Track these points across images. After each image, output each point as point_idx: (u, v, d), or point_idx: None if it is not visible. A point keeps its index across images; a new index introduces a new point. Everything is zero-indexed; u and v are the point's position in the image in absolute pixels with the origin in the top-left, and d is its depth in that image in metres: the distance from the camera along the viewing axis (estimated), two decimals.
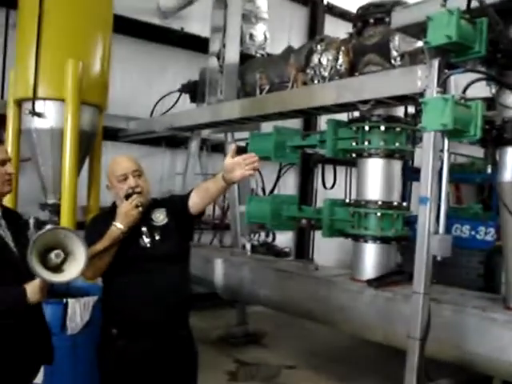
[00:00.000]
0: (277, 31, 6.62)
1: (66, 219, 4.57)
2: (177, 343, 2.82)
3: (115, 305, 2.80)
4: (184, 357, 2.86)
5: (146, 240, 2.83)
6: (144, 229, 2.85)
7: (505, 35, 2.70)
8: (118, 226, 2.71)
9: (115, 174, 2.86)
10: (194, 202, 2.84)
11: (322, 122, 8.86)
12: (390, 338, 3.91)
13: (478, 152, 6.48)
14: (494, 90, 2.92)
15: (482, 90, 3.05)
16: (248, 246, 6.70)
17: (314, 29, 9.66)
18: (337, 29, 9.20)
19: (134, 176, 2.85)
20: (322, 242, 9.83)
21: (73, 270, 2.58)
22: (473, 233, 5.80)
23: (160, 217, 2.91)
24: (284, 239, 8.44)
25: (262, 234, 7.40)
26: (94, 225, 2.99)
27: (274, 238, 7.17)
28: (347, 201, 4.67)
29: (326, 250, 9.49)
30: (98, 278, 2.94)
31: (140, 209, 2.76)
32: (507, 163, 2.99)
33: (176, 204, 2.98)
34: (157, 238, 2.85)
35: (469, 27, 2.61)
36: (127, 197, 2.79)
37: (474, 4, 2.66)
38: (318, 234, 9.86)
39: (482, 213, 7.56)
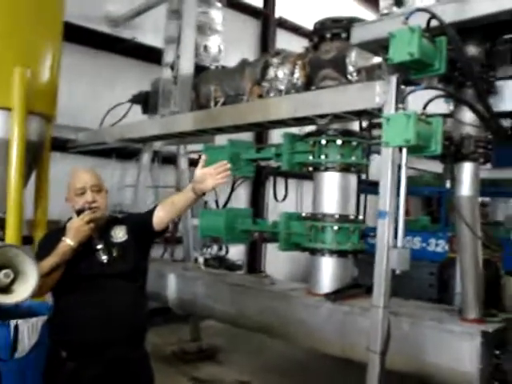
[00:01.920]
0: (229, 43, 6.59)
1: (11, 234, 4.35)
2: (131, 366, 2.71)
3: (65, 325, 2.67)
4: (139, 381, 2.76)
5: (104, 257, 2.74)
6: (101, 245, 2.76)
7: (463, 54, 2.77)
8: (68, 241, 2.62)
9: (74, 186, 2.79)
10: (159, 218, 2.78)
11: (274, 134, 8.95)
12: (348, 351, 3.91)
13: (428, 165, 6.66)
14: (451, 107, 2.99)
15: (439, 106, 3.13)
16: (201, 260, 6.61)
17: (265, 42, 9.74)
18: (289, 43, 9.31)
19: (93, 191, 2.78)
20: (273, 255, 9.89)
21: (23, 291, 2.48)
22: (424, 245, 5.96)
23: (119, 234, 2.86)
24: (236, 252, 8.38)
25: (215, 247, 7.34)
26: (46, 241, 2.88)
27: (227, 252, 7.10)
28: (304, 214, 4.66)
29: (277, 262, 9.51)
30: (44, 295, 2.82)
31: (91, 225, 2.68)
32: (464, 178, 3.06)
33: (138, 221, 2.92)
34: (115, 254, 2.78)
35: (429, 45, 2.67)
36: (79, 212, 2.71)
37: (434, 23, 2.72)
38: (269, 247, 9.91)
39: (431, 225, 7.81)
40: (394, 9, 3.67)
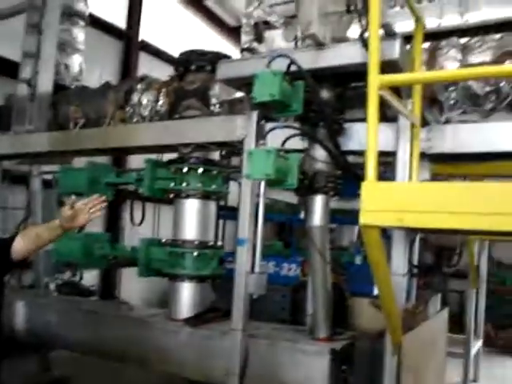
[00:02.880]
0: (90, 62, 6.44)
1: None
2: None
3: None
4: None
5: None
6: None
7: (318, 97, 3.07)
8: None
9: None
10: (20, 249, 2.64)
11: (132, 157, 8.83)
12: (208, 375, 3.98)
13: (280, 195, 7.04)
14: (306, 144, 3.28)
15: (294, 142, 3.40)
16: (52, 286, 6.30)
17: (128, 64, 9.65)
18: (150, 67, 9.36)
19: None
20: (128, 280, 9.66)
21: None
22: (277, 269, 6.28)
23: None
24: (89, 277, 8.07)
25: (68, 273, 7.02)
26: None
27: (81, 277, 6.84)
28: (163, 240, 4.69)
29: (133, 287, 9.32)
30: None
31: None
32: (316, 209, 3.35)
33: None
34: None
35: (289, 88, 2.92)
36: None
37: (293, 68, 2.99)
38: (124, 271, 9.67)
39: (284, 250, 8.22)
40: (255, 44, 3.93)
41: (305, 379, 3.56)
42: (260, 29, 3.94)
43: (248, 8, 3.89)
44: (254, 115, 3.47)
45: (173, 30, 10.82)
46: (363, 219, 2.20)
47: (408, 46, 3.25)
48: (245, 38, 3.83)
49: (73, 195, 2.71)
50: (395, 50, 2.95)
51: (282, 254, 7.85)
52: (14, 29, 6.87)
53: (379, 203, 2.20)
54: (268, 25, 3.97)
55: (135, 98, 4.83)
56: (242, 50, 3.85)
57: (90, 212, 2.60)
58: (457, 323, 6.78)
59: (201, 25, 12.17)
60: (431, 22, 3.98)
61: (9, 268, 2.81)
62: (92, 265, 5.26)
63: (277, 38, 4.08)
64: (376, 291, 3.09)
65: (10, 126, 5.45)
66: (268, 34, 4.02)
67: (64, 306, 5.20)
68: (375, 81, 2.32)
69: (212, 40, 11.89)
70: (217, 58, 4.48)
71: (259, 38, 3.93)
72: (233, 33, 12.52)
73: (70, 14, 5.89)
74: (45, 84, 5.30)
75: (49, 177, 6.93)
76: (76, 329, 4.90)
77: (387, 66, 2.64)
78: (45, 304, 5.32)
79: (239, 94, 4.12)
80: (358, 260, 7.07)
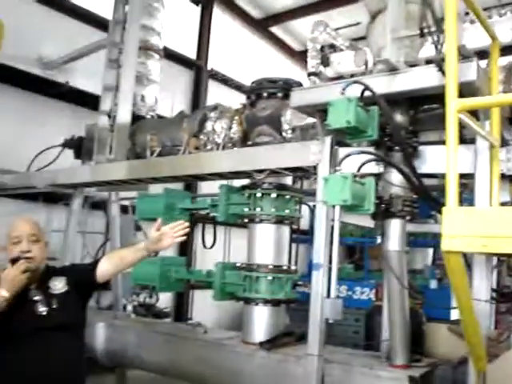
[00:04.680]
0: (163, 92, 6.74)
1: None
2: None
3: (2, 381, 2.59)
4: None
5: (42, 308, 2.71)
6: (39, 297, 2.73)
7: (393, 122, 3.07)
8: (1, 292, 2.56)
9: (10, 235, 2.78)
10: (105, 271, 2.79)
11: (203, 183, 9.06)
12: None
13: (351, 219, 7.00)
14: (381, 169, 3.28)
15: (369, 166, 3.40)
16: (130, 308, 6.51)
17: (198, 92, 9.97)
18: (219, 93, 9.64)
19: (29, 241, 2.75)
20: (201, 302, 9.84)
21: None
22: (349, 293, 6.22)
23: (58, 285, 2.82)
24: (164, 299, 8.30)
25: (144, 295, 7.26)
26: None
27: (157, 300, 7.05)
28: (238, 264, 4.78)
29: (205, 310, 9.48)
30: None
31: (28, 274, 2.65)
32: (393, 234, 3.33)
33: (80, 272, 2.92)
34: (54, 306, 2.74)
35: (363, 114, 2.94)
36: (13, 261, 2.68)
37: (367, 93, 3.01)
38: (196, 293, 9.87)
39: (354, 273, 8.15)
40: (321, 68, 3.98)
41: None
42: (326, 52, 3.99)
43: (313, 33, 3.94)
44: (328, 141, 3.51)
45: (239, 56, 11.12)
46: (445, 245, 2.17)
47: (481, 63, 3.20)
48: (311, 62, 3.88)
49: (159, 219, 2.82)
50: (472, 71, 2.90)
51: (353, 277, 7.77)
52: (90, 63, 7.36)
53: (462, 228, 2.17)
54: (334, 48, 4.02)
55: (209, 125, 4.99)
56: (309, 75, 3.90)
57: (174, 236, 2.70)
58: None
59: (266, 50, 12.42)
60: (504, 36, 3.89)
61: (94, 290, 2.96)
62: (169, 288, 5.41)
63: (343, 61, 4.13)
64: (453, 316, 3.03)
65: (91, 155, 5.76)
66: (334, 57, 4.07)
67: (141, 328, 5.36)
68: (454, 105, 2.31)
69: (278, 65, 12.09)
70: (287, 84, 4.60)
71: (325, 62, 3.98)
72: (298, 57, 12.69)
73: (146, 48, 6.19)
74: (123, 115, 5.57)
75: (126, 203, 7.27)
76: (153, 350, 5.04)
77: (464, 88, 2.61)
78: (123, 325, 5.50)
79: (310, 120, 4.17)
80: (433, 284, 6.89)
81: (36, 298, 2.72)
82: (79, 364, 2.79)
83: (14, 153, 7.12)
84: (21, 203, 7.13)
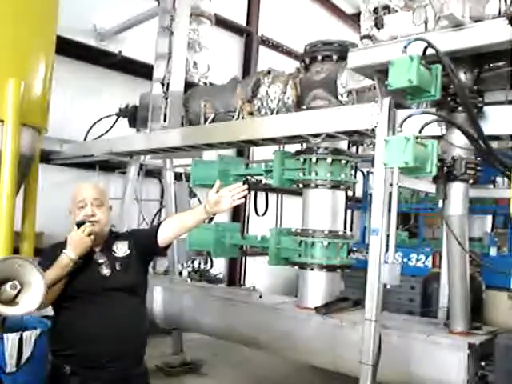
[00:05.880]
0: (214, 59, 6.71)
1: (3, 246, 4.32)
2: (133, 382, 2.74)
3: (69, 339, 2.68)
4: None
5: (106, 270, 2.77)
6: (104, 259, 2.80)
7: (457, 80, 2.93)
8: (68, 254, 2.64)
9: (75, 199, 2.83)
10: (165, 235, 2.83)
11: (256, 149, 9.04)
12: (338, 364, 4.01)
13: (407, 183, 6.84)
14: (443, 130, 3.15)
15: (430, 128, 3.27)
16: (185, 273, 6.66)
17: (248, 58, 9.89)
18: (270, 60, 9.50)
19: (93, 205, 2.81)
20: (253, 268, 9.95)
21: (30, 302, 2.49)
22: (405, 259, 6.13)
23: (121, 249, 2.88)
24: (217, 265, 8.43)
25: (199, 261, 7.38)
26: (48, 253, 2.87)
27: (211, 265, 7.16)
28: (293, 230, 4.77)
29: (257, 275, 9.59)
30: (43, 309, 2.82)
31: (92, 237, 2.71)
32: (455, 198, 3.22)
33: (141, 237, 2.97)
34: (117, 268, 2.81)
35: (426, 73, 2.82)
36: (78, 225, 2.74)
37: (430, 51, 2.88)
38: (249, 259, 9.98)
39: (408, 240, 8.02)
40: (375, 30, 3.82)
41: (438, 373, 3.46)
42: (380, 14, 3.83)
43: None
44: (387, 102, 3.40)
45: (290, 22, 10.89)
46: None
47: None
48: (364, 25, 3.73)
49: (218, 181, 2.81)
50: None
51: (408, 245, 7.64)
52: (141, 33, 7.38)
53: None
54: (388, 9, 3.85)
55: (263, 91, 4.94)
56: (362, 38, 3.76)
57: (232, 198, 2.70)
58: None
59: (318, 14, 12.12)
60: None
61: (156, 254, 3.01)
62: (223, 253, 5.49)
63: (398, 23, 3.95)
64: None
65: (146, 124, 5.82)
66: (388, 18, 3.90)
67: (198, 292, 5.48)
68: None
69: (330, 29, 11.79)
70: (343, 46, 4.48)
71: (379, 24, 3.82)
72: (351, 20, 12.34)
73: (197, 14, 6.15)
74: (177, 82, 5.59)
75: (180, 170, 7.36)
76: (209, 314, 5.16)
77: None
78: (180, 290, 5.64)
79: (367, 82, 4.05)
80: (492, 251, 6.69)
81: (100, 260, 2.78)
82: (142, 323, 2.87)
83: (71, 123, 7.28)
84: (79, 172, 7.32)
